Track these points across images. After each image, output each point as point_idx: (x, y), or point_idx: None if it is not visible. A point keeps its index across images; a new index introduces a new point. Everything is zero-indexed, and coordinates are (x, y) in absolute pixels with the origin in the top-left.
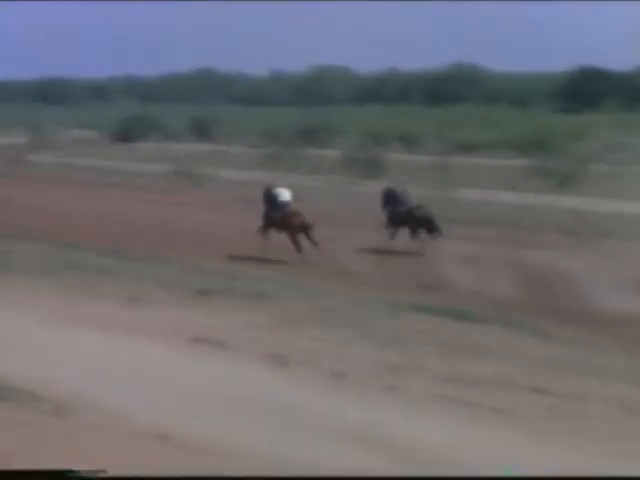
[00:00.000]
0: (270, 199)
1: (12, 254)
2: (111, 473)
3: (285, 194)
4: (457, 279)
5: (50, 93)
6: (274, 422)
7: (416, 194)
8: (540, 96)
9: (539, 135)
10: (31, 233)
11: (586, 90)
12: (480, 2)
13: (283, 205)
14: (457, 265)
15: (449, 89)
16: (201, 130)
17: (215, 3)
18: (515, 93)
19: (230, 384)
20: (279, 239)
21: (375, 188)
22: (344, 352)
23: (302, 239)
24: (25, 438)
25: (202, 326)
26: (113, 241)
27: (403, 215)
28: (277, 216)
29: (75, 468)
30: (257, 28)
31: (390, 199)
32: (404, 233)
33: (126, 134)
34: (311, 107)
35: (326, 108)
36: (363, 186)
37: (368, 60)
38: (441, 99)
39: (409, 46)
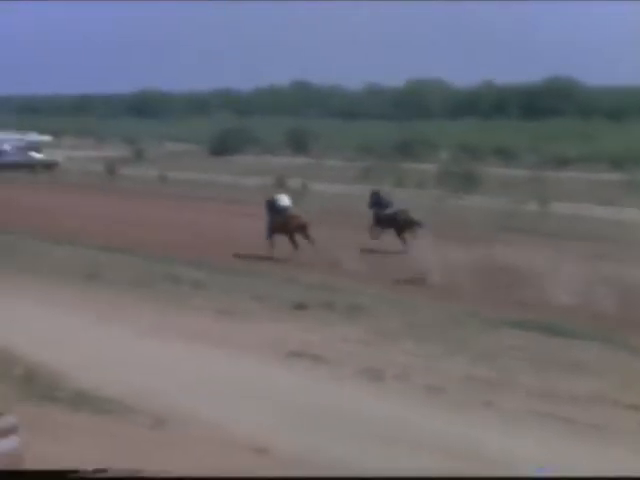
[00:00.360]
0: (272, 205)
1: (107, 267)
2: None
3: (285, 200)
4: (548, 293)
5: (146, 106)
6: (370, 436)
7: (510, 208)
8: (637, 110)
9: (635, 149)
10: (123, 246)
11: None
12: (573, 14)
13: (284, 209)
14: (547, 279)
15: (545, 103)
16: (297, 143)
17: (311, 17)
18: (611, 107)
19: (326, 398)
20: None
21: (476, 203)
22: (438, 367)
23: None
24: (122, 451)
25: (298, 340)
26: (207, 254)
27: (388, 217)
28: (279, 219)
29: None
30: (352, 41)
31: (375, 202)
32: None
33: (223, 147)
34: (406, 121)
35: (422, 122)
36: (464, 200)
37: (463, 73)
38: (537, 113)
39: (504, 59)
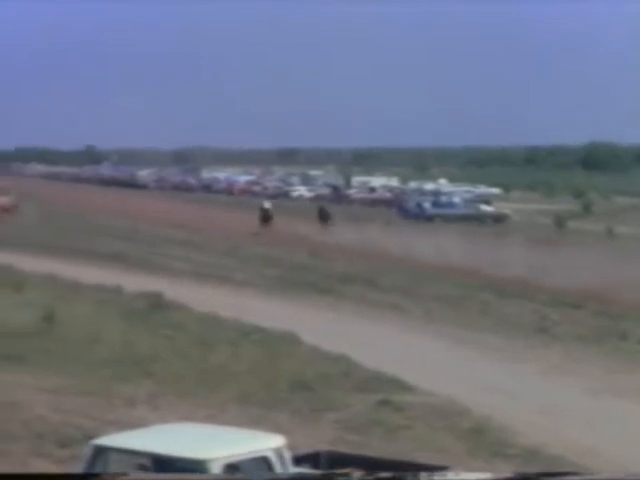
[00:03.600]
0: (261, 208)
1: (556, 321)
2: None
3: (267, 204)
4: None
5: (595, 159)
6: None
7: None
8: None
9: None
10: (571, 301)
11: None
12: None
13: (266, 209)
14: None
15: None
16: None
17: None
18: None
19: None
20: None
21: None
22: None
23: None
24: None
25: None
26: None
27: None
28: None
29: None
30: None
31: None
32: None
33: None
34: None
35: None
36: None
37: None
38: None
39: None
